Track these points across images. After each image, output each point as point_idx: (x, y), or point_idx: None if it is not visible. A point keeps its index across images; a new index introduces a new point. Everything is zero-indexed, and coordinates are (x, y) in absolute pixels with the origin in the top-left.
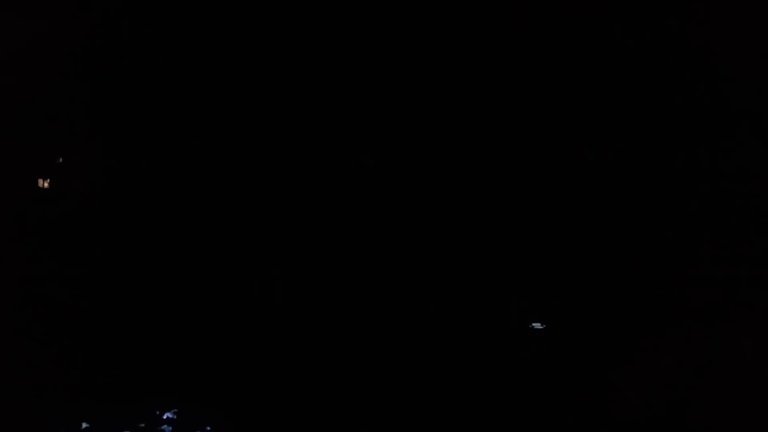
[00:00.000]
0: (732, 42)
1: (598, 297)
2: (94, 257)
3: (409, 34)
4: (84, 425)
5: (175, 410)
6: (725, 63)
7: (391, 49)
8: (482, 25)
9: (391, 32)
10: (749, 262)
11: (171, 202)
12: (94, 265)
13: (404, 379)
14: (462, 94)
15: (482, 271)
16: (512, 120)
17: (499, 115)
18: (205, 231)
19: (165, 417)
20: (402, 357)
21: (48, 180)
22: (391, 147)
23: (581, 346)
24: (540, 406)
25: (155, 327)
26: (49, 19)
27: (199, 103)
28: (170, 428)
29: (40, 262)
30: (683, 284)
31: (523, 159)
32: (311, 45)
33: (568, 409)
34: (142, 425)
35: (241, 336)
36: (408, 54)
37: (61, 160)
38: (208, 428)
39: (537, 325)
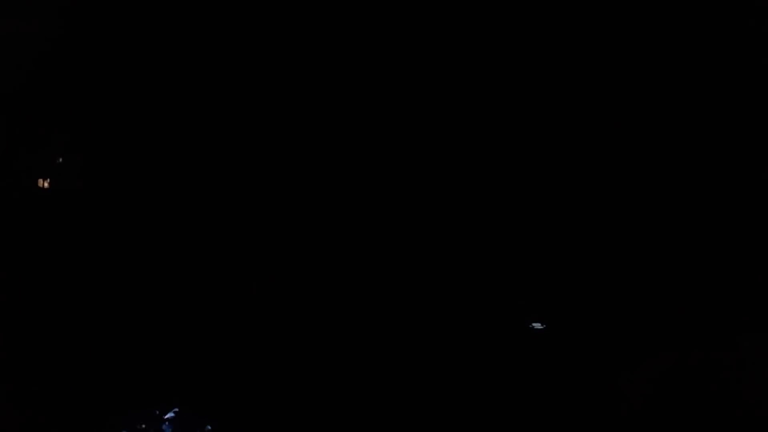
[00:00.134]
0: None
1: (598, 297)
2: (94, 257)
3: (409, 34)
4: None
5: (175, 410)
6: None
7: (390, 49)
8: (483, 25)
9: (391, 32)
10: (749, 262)
11: (171, 202)
12: (94, 266)
13: (404, 380)
14: (462, 94)
15: (482, 271)
16: (512, 120)
17: (499, 115)
18: (205, 231)
19: (165, 417)
20: (402, 357)
21: (48, 180)
22: (391, 147)
23: (581, 346)
24: (540, 406)
25: (155, 327)
26: (49, 19)
27: (200, 102)
28: (170, 428)
29: (40, 263)
30: (683, 284)
31: (524, 159)
32: (311, 45)
33: (568, 409)
34: (142, 426)
35: (240, 336)
36: (408, 54)
37: (61, 160)
38: (209, 428)
39: (537, 325)
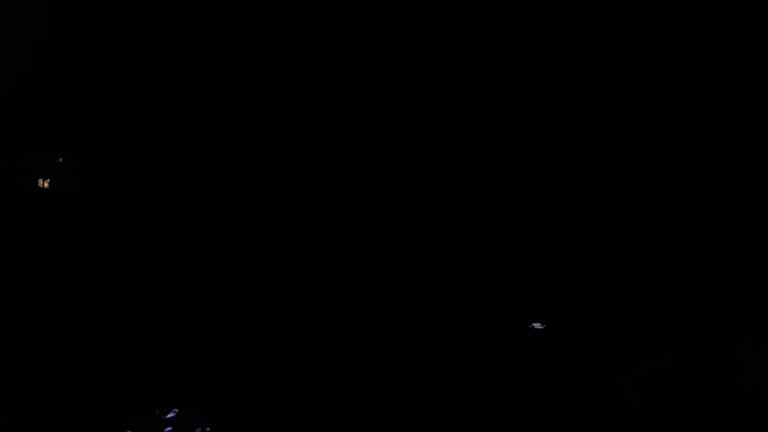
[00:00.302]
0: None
1: (598, 297)
2: (94, 257)
3: (409, 34)
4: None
5: (175, 411)
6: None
7: (390, 49)
8: (482, 25)
9: (391, 32)
10: (749, 263)
11: (171, 202)
12: (94, 266)
13: (404, 380)
14: (462, 94)
15: (482, 271)
16: (512, 120)
17: (499, 115)
18: (205, 231)
19: (165, 418)
20: (402, 358)
21: (48, 180)
22: (391, 147)
23: (581, 347)
24: (540, 406)
25: (155, 327)
26: (49, 20)
27: (200, 102)
28: (170, 429)
29: (40, 263)
30: (683, 284)
31: (524, 160)
32: (311, 45)
33: (569, 409)
34: (142, 426)
35: (241, 336)
36: (408, 54)
37: (61, 160)
38: (209, 429)
39: (537, 325)
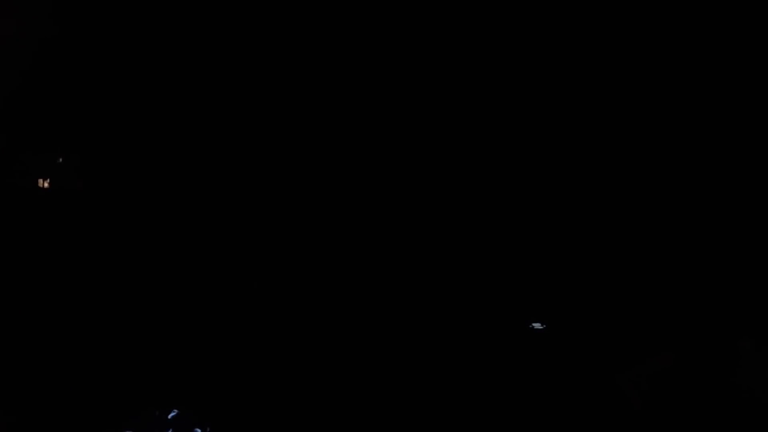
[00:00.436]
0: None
1: (598, 297)
2: (94, 257)
3: (409, 34)
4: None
5: (176, 411)
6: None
7: (390, 49)
8: (484, 25)
9: (391, 32)
10: (749, 262)
11: (171, 201)
12: (95, 266)
13: (404, 380)
14: (462, 94)
15: (482, 271)
16: (513, 120)
17: (499, 115)
18: (205, 230)
19: (165, 418)
20: (402, 357)
21: (48, 180)
22: (391, 147)
23: (581, 346)
24: (540, 406)
25: (155, 327)
26: (49, 20)
27: (199, 102)
28: (170, 429)
29: (40, 263)
30: (683, 284)
31: (524, 159)
32: (311, 45)
33: (569, 409)
34: (142, 426)
35: (241, 336)
36: (408, 54)
37: (61, 160)
38: (209, 429)
39: (537, 325)
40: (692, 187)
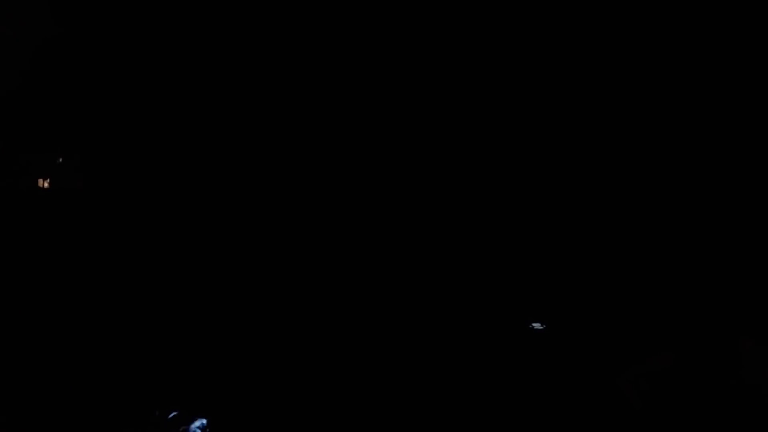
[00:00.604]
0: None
1: (598, 297)
2: (94, 257)
3: (409, 34)
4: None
5: (176, 411)
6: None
7: (390, 49)
8: (483, 25)
9: (391, 32)
10: (749, 262)
11: (171, 201)
12: (95, 265)
13: (404, 380)
14: (462, 94)
15: (482, 271)
16: (513, 120)
17: (499, 115)
18: (205, 230)
19: (165, 418)
20: (402, 357)
21: (48, 180)
22: (391, 147)
23: (581, 346)
24: (540, 406)
25: (155, 327)
26: (49, 20)
27: (199, 102)
28: (170, 430)
29: (40, 263)
30: (683, 284)
31: (524, 159)
32: (311, 45)
33: (569, 409)
34: (143, 426)
35: (241, 336)
36: (408, 54)
37: (61, 160)
38: (208, 430)
39: (537, 325)
40: (692, 187)
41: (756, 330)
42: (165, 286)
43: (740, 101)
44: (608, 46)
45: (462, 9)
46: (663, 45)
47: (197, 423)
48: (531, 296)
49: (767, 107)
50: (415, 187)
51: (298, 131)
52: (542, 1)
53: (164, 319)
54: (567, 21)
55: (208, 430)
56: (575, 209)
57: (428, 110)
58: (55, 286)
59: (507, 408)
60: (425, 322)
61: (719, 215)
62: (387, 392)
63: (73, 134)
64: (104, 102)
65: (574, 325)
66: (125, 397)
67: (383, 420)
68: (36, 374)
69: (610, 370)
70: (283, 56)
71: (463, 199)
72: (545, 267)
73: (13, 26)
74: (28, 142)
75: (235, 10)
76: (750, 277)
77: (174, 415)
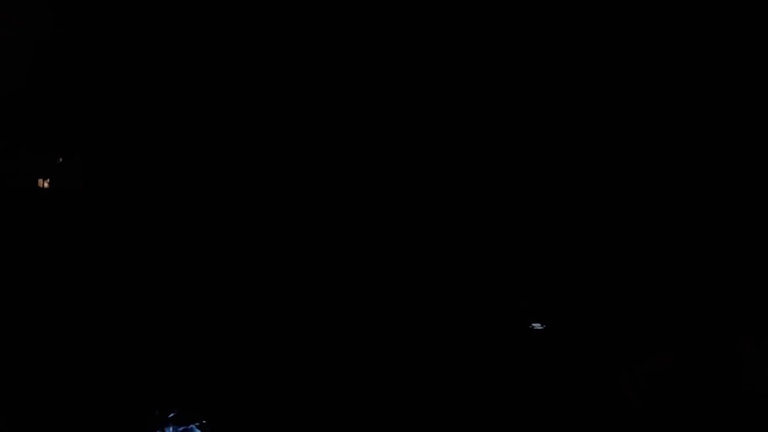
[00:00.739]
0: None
1: (598, 297)
2: (94, 257)
3: (409, 34)
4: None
5: (175, 412)
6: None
7: (390, 49)
8: (483, 25)
9: (391, 32)
10: (749, 262)
11: (171, 201)
12: (94, 265)
13: (404, 380)
14: (462, 94)
15: (482, 271)
16: (512, 120)
17: (499, 114)
18: (205, 230)
19: (165, 418)
20: (402, 357)
21: (48, 180)
22: (390, 147)
23: (581, 346)
24: (540, 406)
25: (155, 327)
26: (49, 20)
27: (199, 102)
28: (170, 429)
29: (40, 263)
30: (683, 284)
31: (524, 159)
32: (311, 45)
33: (569, 409)
34: (142, 426)
35: (241, 336)
36: (408, 54)
37: (61, 160)
38: (208, 429)
39: (537, 325)
40: (692, 187)
41: (756, 330)
42: (165, 286)
43: (740, 101)
44: (608, 46)
45: (462, 9)
46: (663, 45)
47: (197, 423)
48: (531, 296)
49: (766, 107)
50: (415, 187)
51: (298, 131)
52: (542, 1)
53: (164, 319)
54: (567, 21)
55: (208, 430)
56: (575, 209)
57: (428, 110)
58: (56, 286)
59: (507, 408)
60: (425, 322)
61: (719, 215)
62: (387, 392)
63: (73, 134)
64: (104, 102)
65: (574, 325)
66: (125, 397)
67: (383, 420)
68: (36, 374)
69: (610, 370)
70: (283, 56)
71: (463, 199)
72: (545, 267)
73: (13, 26)
74: (28, 142)
75: (235, 10)
76: (750, 277)
77: (174, 415)
